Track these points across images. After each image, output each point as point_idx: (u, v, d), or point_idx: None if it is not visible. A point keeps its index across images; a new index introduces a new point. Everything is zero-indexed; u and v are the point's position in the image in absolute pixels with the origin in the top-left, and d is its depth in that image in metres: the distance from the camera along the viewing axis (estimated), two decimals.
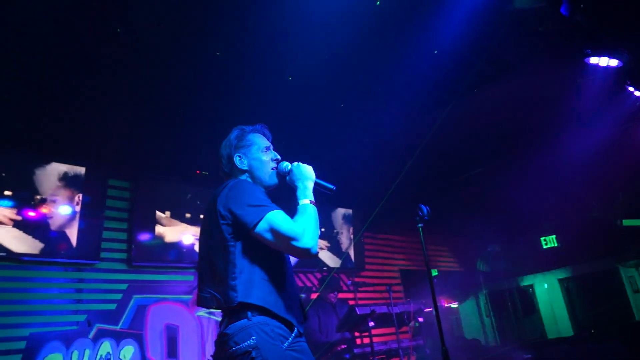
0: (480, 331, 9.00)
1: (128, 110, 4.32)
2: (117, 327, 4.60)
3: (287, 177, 2.07)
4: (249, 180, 2.06)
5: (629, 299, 7.58)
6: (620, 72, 3.92)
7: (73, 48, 3.45)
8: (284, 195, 2.17)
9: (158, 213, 5.14)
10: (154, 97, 4.20)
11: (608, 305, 7.67)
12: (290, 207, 1.96)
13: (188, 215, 5.37)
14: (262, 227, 1.79)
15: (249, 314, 1.77)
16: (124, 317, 4.67)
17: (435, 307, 2.80)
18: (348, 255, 6.92)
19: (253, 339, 1.72)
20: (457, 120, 5.12)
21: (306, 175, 2.03)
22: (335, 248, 6.82)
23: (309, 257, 1.84)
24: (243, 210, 1.82)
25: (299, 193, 1.98)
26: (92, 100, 4.11)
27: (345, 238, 7.04)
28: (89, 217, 4.65)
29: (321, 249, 6.57)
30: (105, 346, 4.47)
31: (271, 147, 2.15)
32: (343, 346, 5.04)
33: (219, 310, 1.90)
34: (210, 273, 1.89)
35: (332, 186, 2.10)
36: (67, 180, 4.61)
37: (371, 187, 6.52)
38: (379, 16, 3.41)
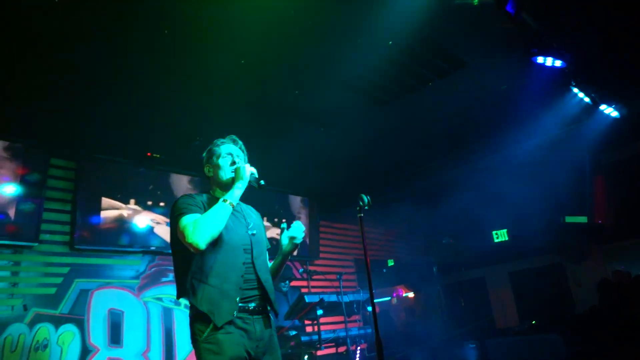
0: (433, 320, 9.20)
1: (75, 88, 4.13)
2: (57, 312, 4.45)
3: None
4: (215, 186, 2.38)
5: (571, 293, 7.91)
6: (565, 73, 4.02)
7: (11, 20, 3.26)
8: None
9: (104, 195, 4.98)
10: (100, 75, 4.03)
11: (552, 298, 7.98)
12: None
13: (136, 198, 5.22)
14: (178, 228, 2.07)
15: (191, 313, 2.11)
16: (64, 301, 4.52)
17: (371, 296, 2.82)
18: (303, 243, 6.92)
19: (191, 332, 2.08)
20: (412, 113, 5.17)
21: (239, 175, 2.27)
22: None
23: (196, 251, 2.03)
24: (172, 219, 2.16)
25: (227, 193, 2.23)
26: (35, 75, 3.90)
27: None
28: (27, 197, 4.44)
29: (278, 235, 6.54)
30: (43, 331, 4.32)
31: (231, 153, 2.38)
32: (294, 332, 5.05)
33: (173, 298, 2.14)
34: (175, 272, 2.22)
35: (259, 183, 2.33)
36: (5, 158, 4.39)
37: (328, 176, 6.53)
38: (333, 2, 3.37)
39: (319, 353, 5.16)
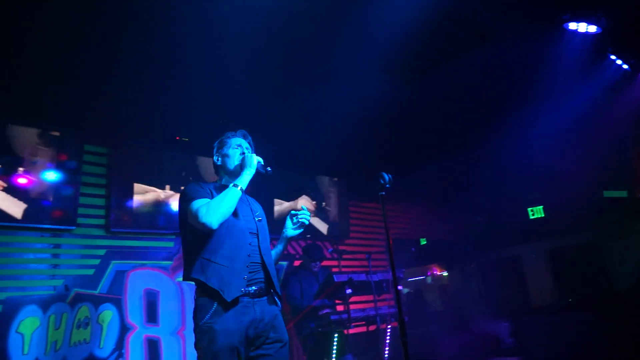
0: (467, 300, 9.11)
1: (105, 74, 4.24)
2: (96, 292, 4.65)
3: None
4: (224, 174, 2.56)
5: (610, 271, 7.63)
6: (600, 39, 3.80)
7: (45, 8, 3.35)
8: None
9: (137, 179, 5.12)
10: (130, 61, 4.10)
11: (590, 276, 7.73)
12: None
13: (167, 182, 5.34)
14: (187, 214, 2.24)
15: (195, 290, 2.25)
16: (102, 282, 4.71)
17: (394, 276, 2.81)
18: (334, 223, 6.93)
19: (194, 311, 2.22)
20: (441, 88, 5.03)
21: (246, 164, 2.44)
22: (322, 216, 6.82)
23: (207, 230, 2.20)
24: (181, 204, 2.33)
25: (236, 178, 2.40)
26: (67, 62, 4.02)
27: (331, 206, 7.03)
28: (65, 182, 4.62)
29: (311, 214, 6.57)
30: (84, 310, 4.52)
31: (242, 145, 2.59)
32: (326, 310, 5.10)
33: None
34: (183, 252, 2.36)
35: (262, 171, 2.50)
36: (42, 146, 4.56)
37: (357, 155, 6.48)
38: None
39: (350, 332, 5.21)
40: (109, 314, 4.67)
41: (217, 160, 2.61)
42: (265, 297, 2.32)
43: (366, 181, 7.04)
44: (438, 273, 10.15)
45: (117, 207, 4.95)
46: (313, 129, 5.52)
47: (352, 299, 5.08)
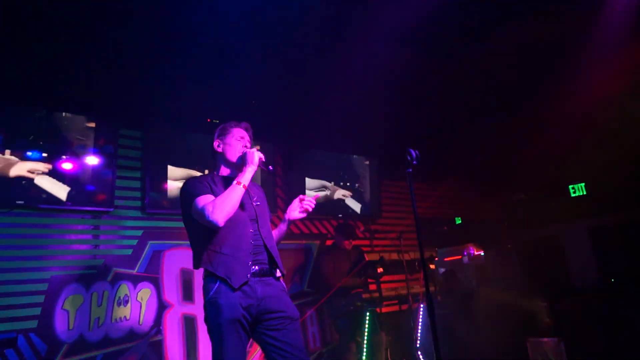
0: (504, 280, 8.91)
1: (138, 60, 4.32)
2: (134, 271, 4.82)
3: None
4: (222, 162, 2.68)
5: None
6: None
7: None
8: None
9: (170, 162, 5.22)
10: (160, 43, 4.16)
11: (636, 255, 7.38)
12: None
13: (199, 162, 5.42)
14: (192, 208, 2.40)
15: (203, 274, 2.45)
16: (140, 261, 4.87)
17: (422, 255, 2.76)
18: (366, 203, 6.88)
19: (203, 292, 2.42)
20: (476, 62, 4.85)
21: (248, 160, 2.50)
22: (355, 196, 6.79)
23: (214, 228, 2.34)
24: (185, 199, 2.48)
25: (239, 174, 2.49)
26: (99, 48, 4.12)
27: (364, 186, 6.98)
28: (102, 166, 4.76)
29: (344, 196, 6.57)
30: (123, 288, 4.71)
31: (246, 138, 2.70)
32: (358, 290, 5.12)
33: None
34: (190, 242, 2.57)
35: (265, 168, 2.62)
36: (79, 132, 4.71)
37: (390, 134, 6.38)
38: None
39: (382, 310, 5.21)
40: (147, 292, 4.84)
41: (218, 146, 2.70)
42: (269, 278, 2.48)
43: (397, 160, 6.92)
44: (475, 253, 9.96)
45: (152, 189, 5.08)
46: (344, 109, 5.46)
47: (384, 278, 5.07)
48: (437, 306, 5.39)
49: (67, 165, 4.53)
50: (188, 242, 5.11)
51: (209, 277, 2.40)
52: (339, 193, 6.50)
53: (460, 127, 6.40)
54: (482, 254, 9.79)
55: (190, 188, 2.48)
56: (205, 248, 2.42)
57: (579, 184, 7.37)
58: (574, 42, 4.35)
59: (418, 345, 5.25)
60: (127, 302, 4.69)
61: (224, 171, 2.68)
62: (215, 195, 2.44)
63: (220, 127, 2.75)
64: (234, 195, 2.38)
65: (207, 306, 2.39)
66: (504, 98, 5.54)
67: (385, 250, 5.50)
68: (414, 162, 2.75)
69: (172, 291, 4.98)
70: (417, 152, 2.77)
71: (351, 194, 6.70)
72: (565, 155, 6.41)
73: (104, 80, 4.54)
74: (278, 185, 6.02)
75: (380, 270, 4.87)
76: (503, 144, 6.94)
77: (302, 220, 6.02)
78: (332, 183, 6.39)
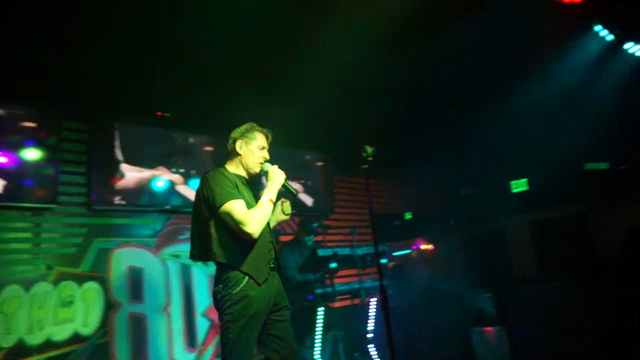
0: (451, 272, 9.23)
1: (84, 47, 4.10)
2: (78, 270, 4.61)
3: (264, 175, 2.78)
4: (239, 163, 2.79)
5: (593, 242, 7.77)
6: (586, 9, 3.75)
7: None
8: None
9: (118, 157, 5.02)
10: (112, 33, 3.97)
11: (573, 247, 7.86)
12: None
13: (151, 158, 5.25)
14: (223, 209, 2.49)
15: (218, 268, 2.56)
16: (85, 260, 4.67)
17: (376, 249, 2.82)
18: (319, 198, 6.91)
19: (219, 286, 2.51)
20: (428, 61, 4.96)
21: (276, 178, 2.71)
22: (308, 190, 6.80)
23: (250, 239, 2.52)
24: (213, 194, 2.53)
25: (266, 190, 2.67)
26: (43, 35, 3.88)
27: (317, 181, 7.01)
28: (44, 160, 4.52)
29: (298, 192, 6.57)
30: (67, 289, 4.49)
31: (266, 149, 2.83)
32: (313, 285, 5.12)
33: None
34: (198, 235, 2.63)
35: (294, 190, 2.83)
36: (20, 123, 4.44)
37: (343, 130, 6.43)
38: None
39: (335, 305, 5.27)
40: (92, 292, 4.65)
41: (240, 147, 2.78)
42: (276, 271, 2.72)
43: (351, 155, 6.99)
44: (423, 247, 10.25)
45: (99, 184, 4.87)
46: (299, 104, 5.45)
47: (337, 272, 5.11)
48: (388, 300, 5.52)
49: (3, 160, 4.26)
50: (137, 239, 5.06)
51: (234, 271, 2.50)
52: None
53: (412, 123, 6.55)
54: (431, 247, 10.11)
55: (224, 186, 2.56)
56: (229, 243, 2.53)
57: (521, 180, 7.73)
58: (518, 48, 4.54)
59: (370, 339, 5.35)
60: (71, 303, 4.49)
61: (238, 170, 2.80)
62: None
63: (244, 127, 2.82)
64: (268, 211, 2.61)
65: (231, 298, 2.46)
66: (455, 95, 5.71)
67: (338, 246, 5.54)
68: (370, 159, 2.79)
69: (119, 290, 4.81)
70: (373, 148, 2.81)
71: (304, 189, 6.71)
72: (506, 151, 6.70)
73: (47, 69, 4.28)
74: None
75: (333, 265, 4.90)
76: (451, 141, 7.17)
77: None
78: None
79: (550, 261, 8.21)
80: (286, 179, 2.76)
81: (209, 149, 5.68)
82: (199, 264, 5.44)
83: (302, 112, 5.59)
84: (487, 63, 4.90)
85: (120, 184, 4.98)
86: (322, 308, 4.83)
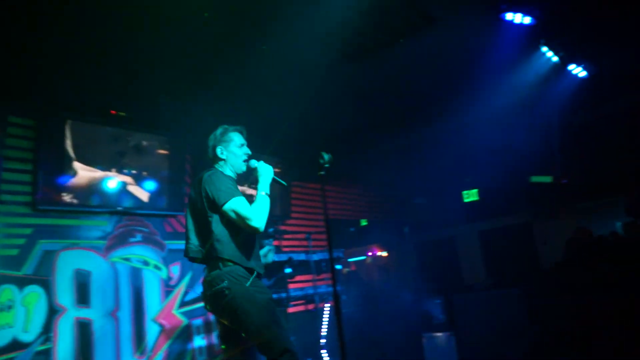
0: (404, 279, 9.43)
1: (33, 39, 3.93)
2: (20, 273, 4.38)
3: (253, 172, 2.84)
4: (226, 166, 2.86)
5: (537, 250, 8.17)
6: (534, 31, 3.97)
7: None
8: None
9: (66, 155, 4.82)
10: (63, 24, 3.82)
11: (519, 255, 8.23)
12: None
13: (101, 158, 5.07)
14: (228, 206, 2.57)
15: (221, 265, 2.58)
16: (27, 262, 4.44)
17: (330, 255, 2.84)
18: (275, 203, 6.89)
19: (225, 282, 2.53)
20: (384, 71, 5.08)
21: (266, 172, 2.81)
22: None
23: (257, 233, 2.67)
24: (217, 192, 2.60)
25: (259, 186, 2.76)
26: None
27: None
28: None
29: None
30: (6, 293, 4.25)
31: (245, 144, 2.93)
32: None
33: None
34: (196, 232, 2.71)
35: (284, 182, 2.94)
36: None
37: (299, 135, 6.46)
38: None
39: (289, 310, 5.27)
40: (35, 296, 4.43)
41: (221, 152, 2.86)
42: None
43: (308, 161, 7.04)
44: (378, 253, 10.42)
45: (46, 183, 4.65)
46: (257, 110, 5.43)
47: (293, 278, 5.13)
48: (342, 305, 5.58)
49: None
50: (85, 241, 4.87)
51: (238, 268, 2.59)
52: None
53: (368, 132, 6.66)
54: (385, 254, 10.29)
55: (227, 184, 2.66)
56: (231, 241, 2.62)
57: (472, 190, 8.03)
58: (470, 63, 4.73)
59: (323, 344, 5.38)
60: (10, 307, 4.25)
61: (228, 172, 2.86)
62: None
63: (218, 132, 2.90)
64: (267, 205, 2.71)
65: (249, 291, 2.54)
66: (412, 105, 5.86)
67: (293, 251, 5.55)
68: (327, 165, 2.83)
69: (64, 294, 4.60)
70: (329, 155, 2.85)
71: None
72: (460, 162, 6.95)
73: None
74: (187, 182, 5.81)
75: (288, 270, 4.91)
76: (406, 151, 7.35)
77: None
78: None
79: (498, 269, 8.55)
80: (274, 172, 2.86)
81: (163, 150, 5.55)
82: (151, 267, 5.31)
83: (259, 118, 5.59)
84: (442, 76, 5.07)
85: (69, 183, 4.79)
86: None
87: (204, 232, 2.65)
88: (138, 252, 5.23)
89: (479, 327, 5.60)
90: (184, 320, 5.43)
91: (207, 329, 5.59)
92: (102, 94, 4.88)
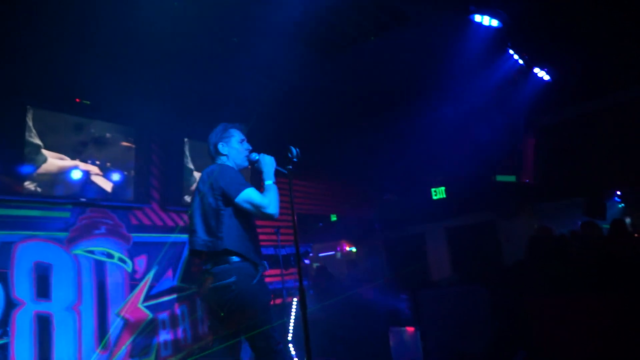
0: (372, 274, 9.54)
1: None
2: None
3: (255, 164, 2.95)
4: (228, 162, 2.93)
5: (501, 248, 8.40)
6: (501, 34, 4.07)
7: None
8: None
9: (27, 143, 4.65)
10: (20, 9, 3.68)
11: (483, 253, 8.44)
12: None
13: (64, 147, 4.92)
14: (241, 198, 2.66)
15: (230, 259, 2.64)
16: None
17: (297, 250, 2.85)
18: None
19: (233, 278, 2.59)
20: (355, 67, 5.10)
21: (269, 163, 2.90)
22: None
23: (272, 220, 2.81)
24: (229, 185, 2.68)
25: (265, 176, 2.87)
26: None
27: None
28: None
29: None
30: None
31: (245, 140, 3.05)
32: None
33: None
34: (204, 226, 2.74)
35: (285, 171, 2.96)
36: None
37: (265, 128, 6.41)
38: None
39: None
40: None
41: (223, 148, 2.95)
42: None
43: (277, 156, 6.99)
44: (347, 249, 10.50)
45: (4, 172, 4.48)
46: (225, 101, 5.38)
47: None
48: (308, 300, 5.60)
49: None
50: (46, 232, 4.73)
51: (245, 261, 2.68)
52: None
53: (339, 127, 6.68)
54: (354, 250, 10.38)
55: (238, 177, 2.76)
56: (240, 234, 2.71)
57: (440, 188, 8.17)
58: (440, 63, 4.81)
59: (290, 339, 5.39)
60: None
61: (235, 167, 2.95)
62: None
63: (219, 129, 3.01)
64: (277, 193, 2.82)
65: (256, 288, 2.66)
66: (381, 103, 5.91)
67: (262, 245, 5.53)
68: (295, 160, 2.84)
69: (23, 288, 4.46)
70: (297, 149, 2.87)
71: None
72: (429, 160, 7.06)
73: None
74: (153, 174, 5.70)
75: None
76: (377, 146, 7.41)
77: (176, 212, 5.81)
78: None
79: (463, 265, 8.75)
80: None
81: (128, 141, 5.42)
82: (115, 260, 5.20)
83: (227, 111, 5.53)
84: (413, 74, 5.13)
85: (30, 172, 4.63)
86: None
87: (213, 225, 2.69)
88: (102, 245, 5.11)
89: (443, 323, 5.72)
90: (149, 314, 5.34)
91: (173, 323, 5.52)
92: (66, 82, 4.73)
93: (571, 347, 4.50)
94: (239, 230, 2.71)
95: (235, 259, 2.66)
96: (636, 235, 6.59)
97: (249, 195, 2.69)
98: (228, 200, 2.68)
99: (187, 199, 5.77)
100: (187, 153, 5.86)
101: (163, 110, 5.31)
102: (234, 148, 2.97)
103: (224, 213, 2.69)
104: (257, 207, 2.68)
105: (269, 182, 2.83)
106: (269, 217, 2.73)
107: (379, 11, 3.97)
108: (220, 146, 2.95)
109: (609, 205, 7.69)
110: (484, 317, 5.40)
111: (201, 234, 2.74)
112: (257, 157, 2.94)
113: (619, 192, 8.53)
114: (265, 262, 2.86)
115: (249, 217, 2.80)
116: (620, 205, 8.74)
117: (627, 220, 8.68)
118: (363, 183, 8.49)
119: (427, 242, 9.83)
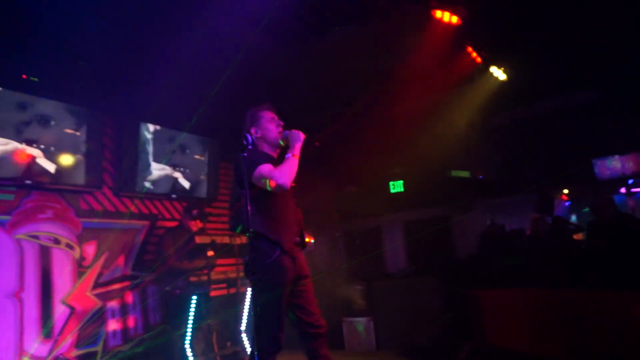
0: (330, 265, 9.60)
1: None
2: None
3: (286, 139, 2.96)
4: (264, 143, 3.01)
5: (454, 242, 8.64)
6: (461, 31, 4.14)
7: None
8: None
9: None
10: None
11: (437, 246, 8.65)
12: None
13: (11, 127, 4.66)
14: (255, 175, 2.72)
15: (252, 238, 2.68)
16: None
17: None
18: (200, 184, 6.70)
19: (252, 255, 2.67)
20: (319, 56, 5.06)
21: (296, 137, 2.90)
22: (190, 176, 6.55)
23: (283, 191, 2.76)
24: (249, 166, 2.74)
25: (290, 149, 2.86)
26: None
27: (200, 166, 6.77)
28: None
29: (178, 177, 6.28)
30: None
31: (275, 117, 3.07)
32: (193, 272, 4.99)
33: None
34: (237, 208, 2.88)
35: (316, 144, 3.10)
36: None
37: (229, 116, 6.29)
38: None
39: (211, 294, 5.18)
40: None
41: (256, 132, 3.01)
42: (300, 247, 2.92)
43: (234, 142, 6.86)
44: (306, 239, 10.50)
45: None
46: (185, 85, 5.23)
47: (215, 261, 5.04)
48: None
49: None
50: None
51: (265, 240, 2.71)
52: (173, 172, 6.22)
53: (300, 116, 6.63)
54: (312, 241, 10.40)
55: (255, 157, 2.80)
56: (259, 214, 2.76)
57: (398, 181, 8.29)
58: (400, 58, 4.84)
59: (243, 329, 5.36)
60: None
61: (266, 149, 3.00)
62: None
63: (249, 115, 3.07)
64: (294, 165, 2.77)
65: (265, 267, 2.66)
66: (340, 95, 5.90)
67: (217, 234, 5.44)
68: (249, 147, 2.79)
69: None
70: (252, 136, 2.83)
71: (184, 174, 6.45)
72: (388, 155, 7.13)
73: None
74: (106, 158, 5.49)
75: (210, 253, 4.82)
76: (339, 138, 7.43)
77: (130, 198, 5.63)
78: (165, 161, 6.06)
79: (418, 258, 8.94)
80: (305, 137, 2.93)
81: (79, 122, 5.19)
82: (62, 245, 5.00)
83: (188, 95, 5.39)
84: (369, 68, 5.13)
85: None
86: (196, 297, 4.73)
87: (241, 207, 2.76)
88: (47, 230, 4.90)
89: (397, 313, 5.84)
90: (98, 303, 5.18)
91: (123, 311, 5.37)
92: (11, 56, 4.46)
93: (514, 337, 4.68)
94: (261, 210, 2.78)
95: (257, 237, 2.73)
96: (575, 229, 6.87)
97: (260, 170, 2.74)
98: (249, 182, 2.74)
99: (143, 184, 5.60)
100: (144, 137, 5.68)
101: (119, 91, 5.12)
102: (265, 128, 3.01)
103: (247, 196, 2.72)
104: (266, 179, 2.71)
105: (289, 154, 2.84)
106: (278, 188, 2.70)
107: (340, 2, 3.94)
108: (253, 131, 3.01)
109: (557, 203, 8.05)
110: (436, 309, 5.55)
111: (235, 216, 3.01)
112: (286, 134, 2.98)
113: (566, 191, 8.94)
114: (288, 243, 2.81)
115: (274, 197, 2.82)
116: (567, 203, 9.17)
117: (573, 217, 9.12)
118: (324, 174, 8.50)
119: (384, 234, 9.98)
